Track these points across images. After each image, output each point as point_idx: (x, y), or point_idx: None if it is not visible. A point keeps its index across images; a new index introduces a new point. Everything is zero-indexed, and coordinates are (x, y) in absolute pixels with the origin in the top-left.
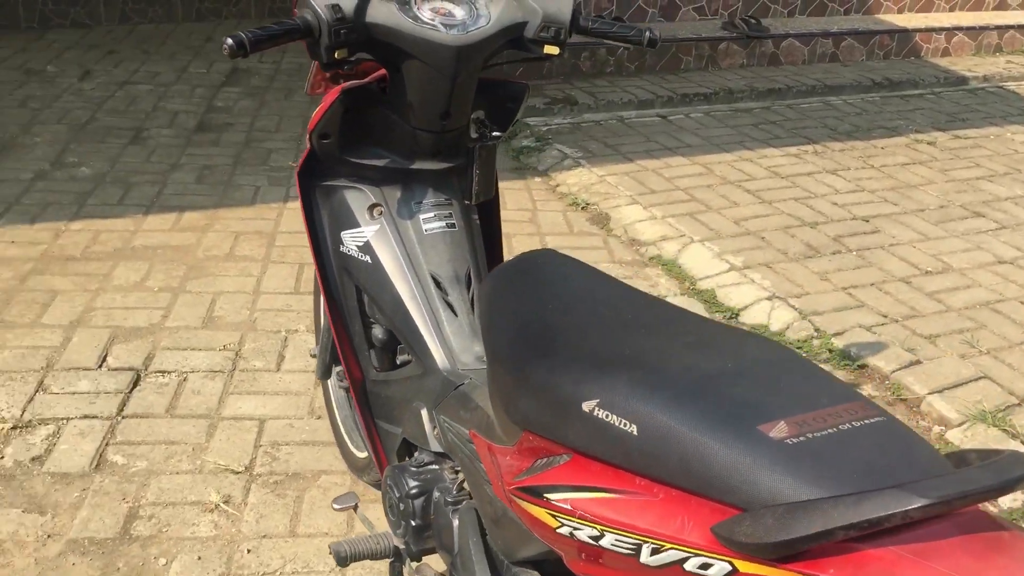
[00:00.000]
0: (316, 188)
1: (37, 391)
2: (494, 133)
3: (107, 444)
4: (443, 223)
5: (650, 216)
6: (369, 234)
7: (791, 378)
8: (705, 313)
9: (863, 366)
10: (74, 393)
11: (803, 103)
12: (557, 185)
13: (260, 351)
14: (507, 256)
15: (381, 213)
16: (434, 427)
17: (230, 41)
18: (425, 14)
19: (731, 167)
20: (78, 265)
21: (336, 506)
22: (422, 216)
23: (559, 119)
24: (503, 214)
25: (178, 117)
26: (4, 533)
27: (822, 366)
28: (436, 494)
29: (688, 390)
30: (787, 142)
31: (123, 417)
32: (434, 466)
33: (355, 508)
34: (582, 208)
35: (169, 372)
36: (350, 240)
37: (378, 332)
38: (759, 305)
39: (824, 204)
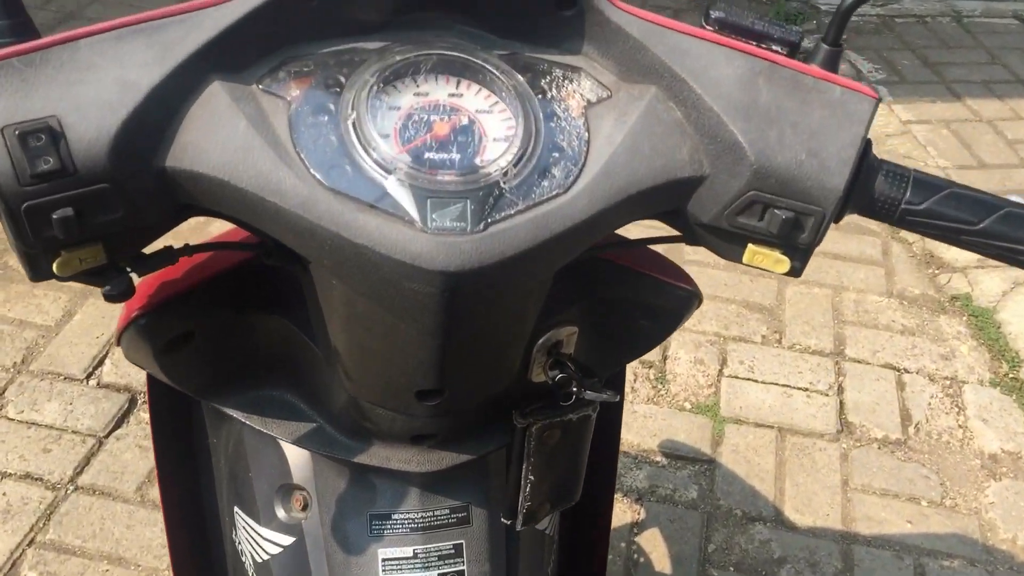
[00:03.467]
0: (190, 403)
1: None
2: (589, 394)
3: None
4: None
5: None
6: (273, 546)
7: None
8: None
9: None
10: None
11: None
12: None
13: None
14: None
15: (305, 507)
16: None
17: None
18: (384, 150)
19: None
20: None
21: None
22: (387, 550)
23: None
24: None
25: None
26: None
27: None
28: None
29: None
30: None
31: None
32: None
33: None
34: None
35: None
36: (245, 534)
37: None
38: None
39: None
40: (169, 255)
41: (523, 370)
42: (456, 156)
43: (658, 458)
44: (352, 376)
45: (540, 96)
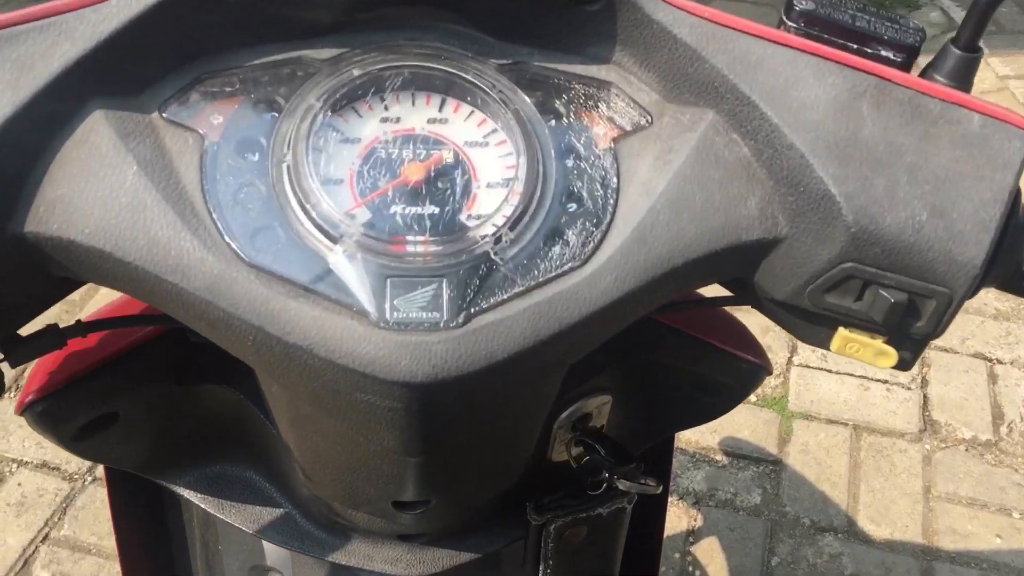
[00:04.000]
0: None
1: None
2: (623, 484)
3: None
4: None
5: None
6: None
7: None
8: None
9: None
10: None
11: None
12: None
13: None
14: None
15: None
16: None
17: None
18: (328, 208)
19: None
20: None
21: None
22: None
23: None
24: None
25: None
26: None
27: None
28: None
29: None
30: None
31: None
32: None
33: None
34: None
35: None
36: None
37: None
38: None
39: None
40: (55, 337)
41: (540, 450)
42: (432, 211)
43: (718, 457)
44: (312, 478)
45: (553, 122)
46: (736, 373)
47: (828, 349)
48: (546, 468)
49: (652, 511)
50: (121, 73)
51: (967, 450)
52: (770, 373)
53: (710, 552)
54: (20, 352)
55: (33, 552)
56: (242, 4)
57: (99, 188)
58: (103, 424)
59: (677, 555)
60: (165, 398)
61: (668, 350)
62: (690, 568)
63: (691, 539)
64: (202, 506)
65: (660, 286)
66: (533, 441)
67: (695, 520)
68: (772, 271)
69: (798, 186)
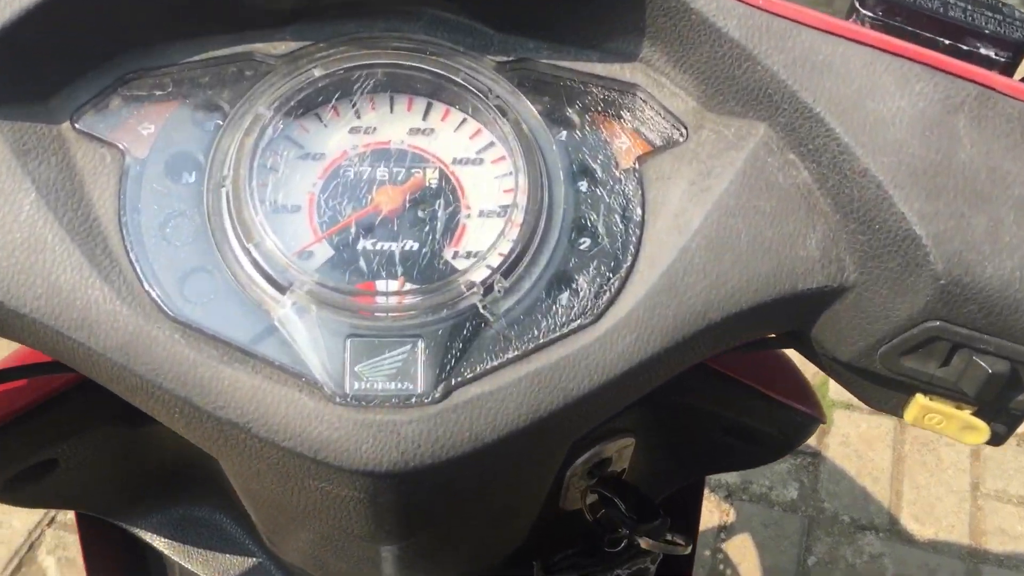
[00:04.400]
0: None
1: None
2: (646, 542)
3: None
4: None
5: None
6: None
7: None
8: None
9: None
10: None
11: None
12: None
13: None
14: None
15: None
16: None
17: None
18: (274, 247)
19: None
20: None
21: None
22: None
23: None
24: None
25: None
26: None
27: None
28: None
29: None
30: None
31: None
32: None
33: None
34: None
35: None
36: None
37: None
38: None
39: None
40: None
41: (550, 499)
42: (408, 248)
43: None
44: (277, 545)
45: (562, 135)
46: (783, 423)
47: (899, 416)
48: (557, 518)
49: (677, 560)
50: (21, 73)
51: (1019, 444)
52: (823, 423)
53: (742, 549)
54: None
55: (39, 536)
56: None
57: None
58: (41, 471)
59: (708, 552)
60: (115, 440)
61: (704, 393)
62: (721, 566)
63: (723, 535)
64: (167, 552)
65: (692, 347)
66: (536, 510)
67: (727, 515)
68: (835, 326)
69: (872, 223)
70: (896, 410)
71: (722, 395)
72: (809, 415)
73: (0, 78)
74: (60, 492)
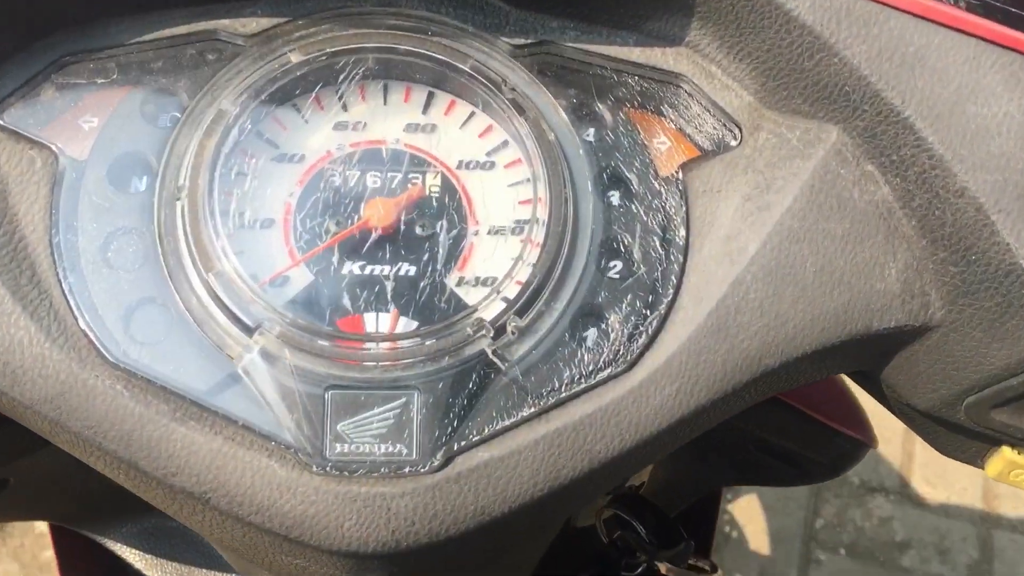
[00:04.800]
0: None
1: None
2: (667, 569)
3: None
4: None
5: None
6: None
7: None
8: None
9: None
10: None
11: None
12: None
13: None
14: None
15: None
16: None
17: None
18: (236, 274)
19: None
20: None
21: None
22: None
23: None
24: None
25: None
26: None
27: None
28: None
29: None
30: None
31: None
32: None
33: None
34: None
35: None
36: None
37: None
38: None
39: None
40: None
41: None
42: (405, 273)
43: None
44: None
45: (591, 135)
46: (827, 449)
47: (980, 468)
48: (568, 536)
49: None
50: None
51: None
52: (873, 448)
53: (749, 512)
54: None
55: None
56: None
57: None
58: None
59: None
60: (70, 456)
61: (746, 414)
62: (727, 528)
63: (728, 496)
64: (138, 565)
65: (743, 396)
66: (545, 544)
67: None
68: (912, 369)
69: (968, 252)
70: (974, 460)
71: (761, 415)
72: (860, 441)
73: None
74: (16, 506)
